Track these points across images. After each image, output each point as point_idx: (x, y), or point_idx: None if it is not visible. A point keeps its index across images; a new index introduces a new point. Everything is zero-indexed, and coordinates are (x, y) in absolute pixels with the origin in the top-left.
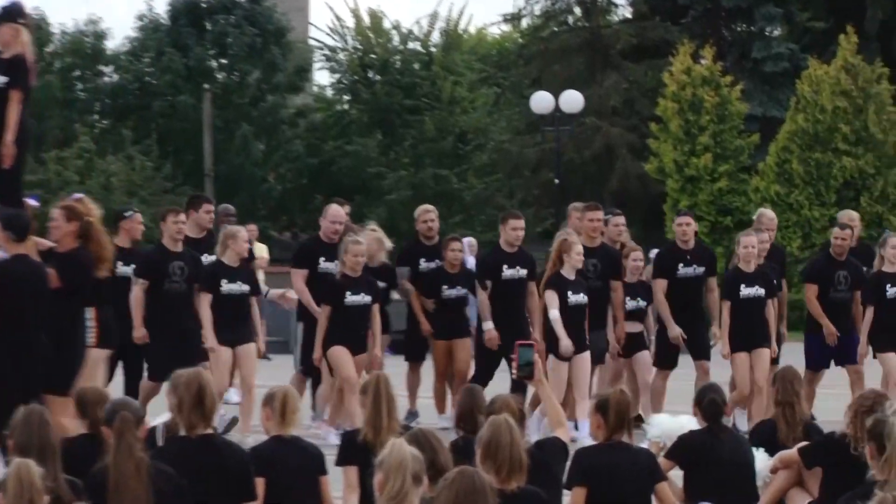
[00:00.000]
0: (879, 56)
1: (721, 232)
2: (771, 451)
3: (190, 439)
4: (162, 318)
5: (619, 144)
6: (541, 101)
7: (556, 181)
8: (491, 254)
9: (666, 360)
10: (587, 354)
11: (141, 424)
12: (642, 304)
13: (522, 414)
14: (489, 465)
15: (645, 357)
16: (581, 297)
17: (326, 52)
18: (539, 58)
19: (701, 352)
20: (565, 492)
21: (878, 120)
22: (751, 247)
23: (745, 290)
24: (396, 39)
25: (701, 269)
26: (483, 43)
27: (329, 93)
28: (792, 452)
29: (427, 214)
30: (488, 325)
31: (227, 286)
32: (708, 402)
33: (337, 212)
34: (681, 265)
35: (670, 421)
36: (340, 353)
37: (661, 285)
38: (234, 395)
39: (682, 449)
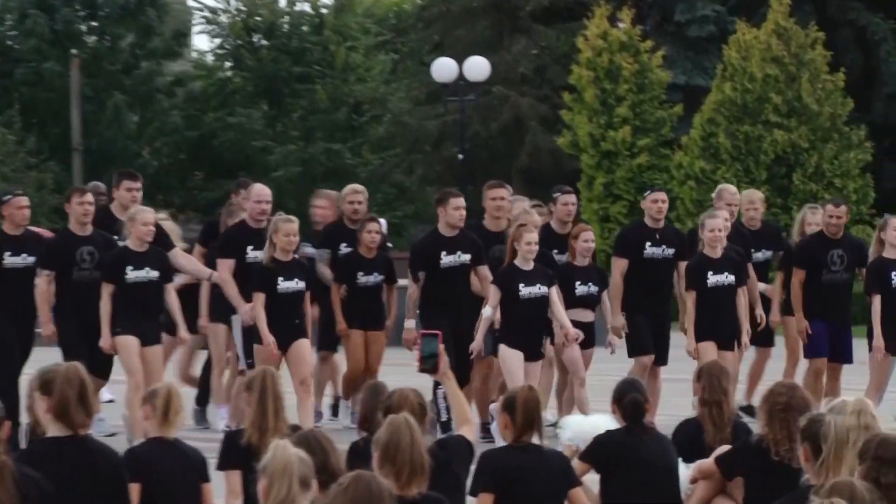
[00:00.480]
0: (814, 19)
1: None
2: (696, 454)
3: (58, 440)
4: (73, 310)
5: (528, 116)
6: (443, 68)
7: (460, 156)
8: (426, 240)
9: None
10: (539, 365)
11: (2, 425)
12: (594, 289)
13: (424, 409)
14: (388, 470)
15: (588, 354)
16: (537, 289)
17: (207, 14)
18: (440, 21)
19: (659, 356)
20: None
21: (813, 89)
22: (717, 230)
23: (713, 278)
24: (284, 0)
25: (671, 252)
26: (379, 4)
27: (209, 59)
28: (710, 462)
29: (355, 195)
30: (409, 324)
31: (133, 273)
32: (630, 400)
33: (262, 191)
34: (648, 244)
35: (584, 422)
36: (267, 350)
37: (620, 265)
38: (106, 393)
39: (599, 451)
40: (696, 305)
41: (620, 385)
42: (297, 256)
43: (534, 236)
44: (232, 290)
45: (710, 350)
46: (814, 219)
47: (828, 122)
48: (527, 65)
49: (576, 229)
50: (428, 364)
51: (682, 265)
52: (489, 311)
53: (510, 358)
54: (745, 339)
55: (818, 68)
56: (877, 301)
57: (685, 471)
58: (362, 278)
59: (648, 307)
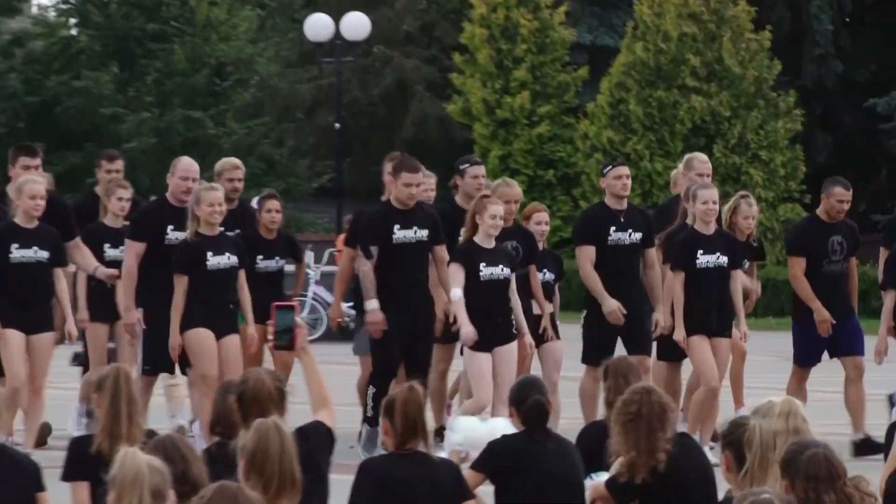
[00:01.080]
0: None
1: (541, 189)
2: (600, 464)
3: None
4: None
5: (414, 80)
6: (317, 26)
7: (337, 126)
8: (379, 213)
9: (595, 352)
10: (513, 346)
11: None
12: (550, 276)
13: (282, 395)
14: (255, 481)
15: (555, 349)
16: (500, 271)
17: None
18: None
19: (638, 344)
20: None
21: (735, 50)
22: (711, 202)
23: (704, 259)
24: None
25: (637, 236)
26: None
27: (52, 15)
28: (600, 485)
29: (234, 172)
30: (372, 305)
31: (18, 252)
32: (532, 402)
33: (190, 166)
34: (612, 228)
35: (477, 425)
36: (201, 340)
37: (588, 253)
38: None
39: (494, 458)
40: (684, 289)
41: (519, 385)
42: (223, 230)
43: (499, 209)
44: (129, 289)
45: (701, 346)
46: (750, 212)
47: (752, 86)
48: (412, 22)
49: (528, 209)
50: (283, 340)
51: (650, 253)
52: (458, 293)
53: (475, 361)
54: (744, 327)
55: (741, 26)
56: (890, 299)
57: (588, 482)
58: (261, 262)
59: (619, 297)
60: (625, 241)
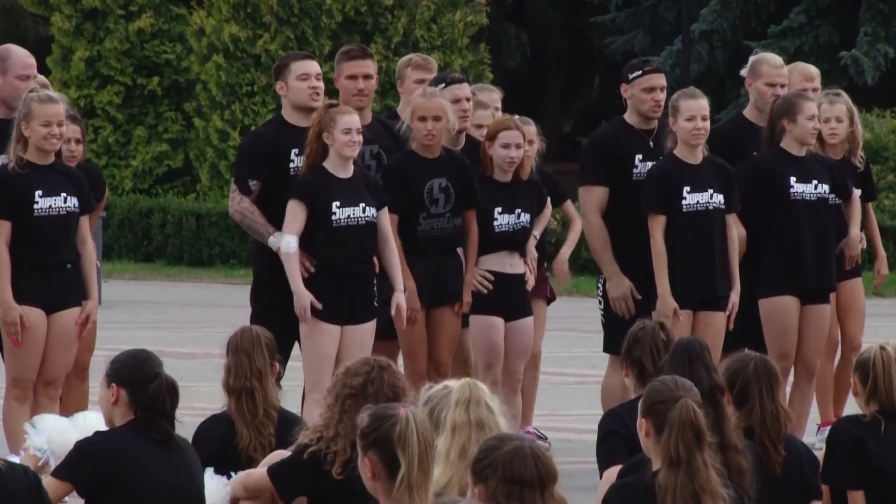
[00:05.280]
0: None
1: (142, 102)
2: (230, 463)
3: None
4: None
5: None
6: None
7: None
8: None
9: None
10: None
11: None
12: (525, 219)
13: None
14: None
15: (521, 331)
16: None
17: None
18: None
19: None
20: None
21: None
22: (700, 118)
23: (693, 197)
24: None
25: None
26: None
27: None
28: (259, 475)
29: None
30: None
31: None
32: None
33: (25, 59)
34: (639, 158)
35: (63, 423)
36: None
37: (598, 196)
38: None
39: (84, 463)
40: (665, 238)
41: (132, 361)
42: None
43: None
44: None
45: (682, 323)
46: (832, 111)
47: None
48: None
49: (494, 126)
50: None
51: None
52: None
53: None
54: (735, 296)
55: None
56: None
57: (217, 485)
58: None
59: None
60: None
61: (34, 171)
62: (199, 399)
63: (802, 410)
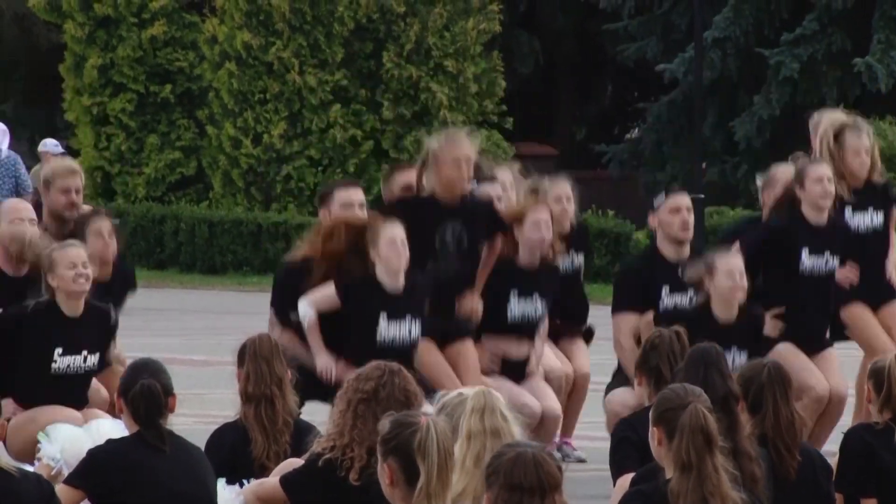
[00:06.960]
0: None
1: (154, 110)
2: (242, 470)
3: None
4: None
5: None
6: None
7: None
8: None
9: None
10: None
11: None
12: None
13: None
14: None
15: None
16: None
17: None
18: None
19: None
20: None
21: None
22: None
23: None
24: None
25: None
26: None
27: None
28: (272, 484)
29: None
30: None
31: None
32: (141, 390)
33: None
34: (666, 289)
35: (79, 433)
36: None
37: (630, 322)
38: None
39: (94, 470)
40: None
41: (130, 369)
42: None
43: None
44: None
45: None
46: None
47: None
48: None
49: (520, 206)
50: None
51: None
52: None
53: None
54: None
55: None
56: None
57: (230, 494)
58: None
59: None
60: (685, 306)
61: (58, 323)
62: (212, 407)
63: (823, 433)
